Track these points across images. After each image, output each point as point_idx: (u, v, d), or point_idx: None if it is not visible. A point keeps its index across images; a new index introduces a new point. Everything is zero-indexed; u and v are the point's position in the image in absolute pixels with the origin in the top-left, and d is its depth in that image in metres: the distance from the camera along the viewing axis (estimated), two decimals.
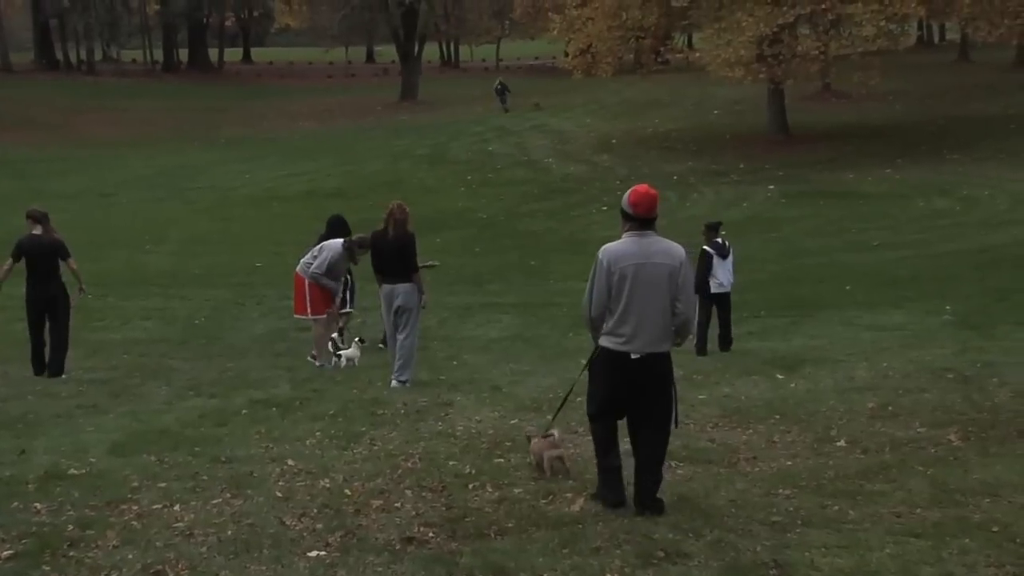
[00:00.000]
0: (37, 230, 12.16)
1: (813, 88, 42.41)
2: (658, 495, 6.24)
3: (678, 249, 6.12)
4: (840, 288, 18.75)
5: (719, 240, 13.46)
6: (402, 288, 10.78)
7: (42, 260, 12.13)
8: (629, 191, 6.16)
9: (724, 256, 13.38)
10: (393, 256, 10.76)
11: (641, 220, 6.07)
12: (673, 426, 6.31)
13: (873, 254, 22.50)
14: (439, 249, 19.08)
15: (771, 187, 31.48)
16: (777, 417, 8.62)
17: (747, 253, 14.51)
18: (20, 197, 33.64)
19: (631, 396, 6.15)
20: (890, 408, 8.82)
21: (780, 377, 10.46)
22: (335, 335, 12.64)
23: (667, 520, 6.05)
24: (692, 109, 44.57)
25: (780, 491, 6.62)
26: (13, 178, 37.58)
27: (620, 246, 6.08)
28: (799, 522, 6.06)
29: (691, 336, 5.88)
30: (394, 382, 10.68)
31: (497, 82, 52.68)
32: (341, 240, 12.40)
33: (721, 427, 8.41)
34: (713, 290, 13.32)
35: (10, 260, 12.14)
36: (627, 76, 45.71)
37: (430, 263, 15.27)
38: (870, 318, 15.68)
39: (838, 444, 7.75)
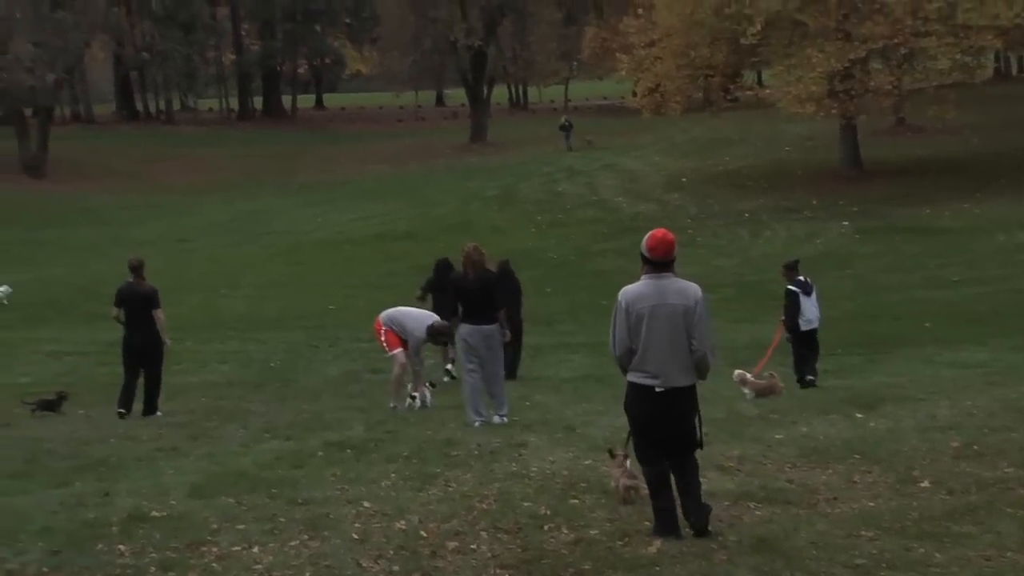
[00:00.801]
0: (133, 278, 12.68)
1: (886, 123, 41.90)
2: (703, 502, 6.52)
3: (694, 289, 6.43)
4: (918, 325, 18.40)
5: (801, 278, 13.54)
6: (486, 329, 10.88)
7: (135, 308, 12.69)
8: (647, 236, 6.46)
9: (808, 293, 13.48)
10: (476, 298, 10.86)
11: (657, 263, 6.39)
12: (699, 448, 6.62)
13: (952, 290, 22.07)
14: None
15: (845, 223, 31.08)
16: (857, 457, 8.42)
17: (821, 290, 14.35)
18: (101, 244, 34.65)
19: (660, 427, 6.44)
20: (975, 447, 8.57)
21: (859, 416, 10.23)
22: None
23: (747, 562, 5.95)
24: (763, 146, 44.28)
25: (862, 533, 6.47)
26: (95, 225, 38.63)
27: (637, 288, 6.43)
28: (883, 565, 5.91)
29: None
30: (496, 418, 10.82)
31: (563, 119, 53.02)
32: (426, 326, 12.48)
33: (799, 467, 8.24)
34: (803, 328, 13.37)
35: (114, 308, 12.84)
36: (696, 114, 45.63)
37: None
38: (951, 355, 15.34)
39: (921, 485, 7.55)
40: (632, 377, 6.46)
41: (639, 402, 6.46)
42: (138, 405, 12.86)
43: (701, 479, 7.48)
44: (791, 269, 13.73)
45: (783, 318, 13.88)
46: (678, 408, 6.41)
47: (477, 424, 10.76)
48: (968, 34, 32.63)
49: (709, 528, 6.40)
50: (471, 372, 11.04)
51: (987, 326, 17.65)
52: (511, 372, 14.30)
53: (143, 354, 12.76)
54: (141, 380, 12.96)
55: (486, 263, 11.07)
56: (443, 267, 14.57)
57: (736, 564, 5.92)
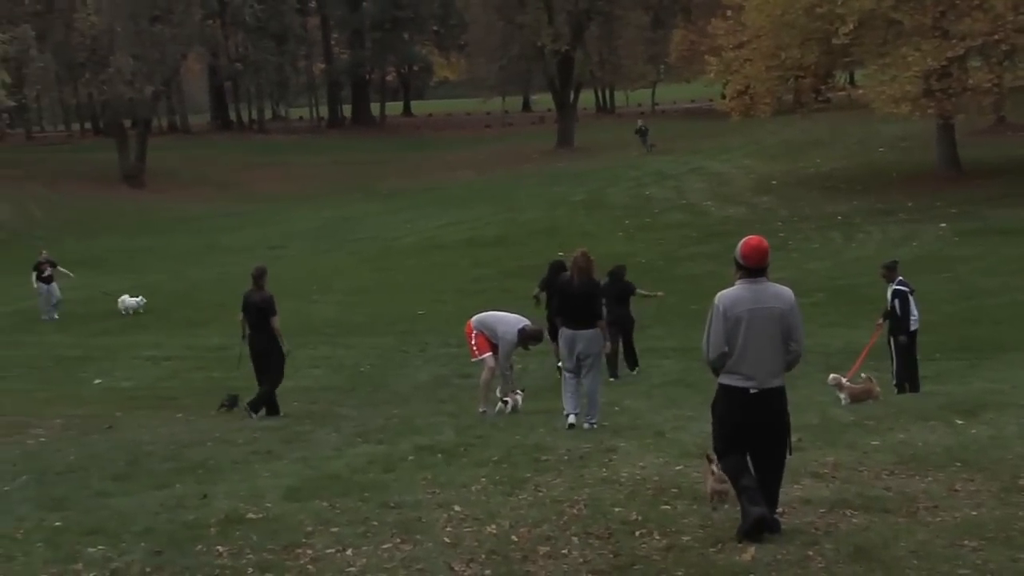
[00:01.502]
0: (253, 286, 13.33)
1: (986, 122, 40.75)
2: (774, 515, 6.54)
3: (788, 292, 6.60)
4: (1021, 329, 17.86)
5: (901, 277, 13.52)
6: (585, 334, 10.96)
7: (250, 314, 13.35)
8: (741, 243, 6.57)
9: (913, 292, 13.35)
10: (578, 303, 10.96)
11: (752, 270, 6.53)
12: (788, 454, 6.67)
13: None
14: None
15: (943, 225, 30.31)
16: (958, 464, 8.19)
17: (919, 293, 14.04)
18: (196, 251, 35.46)
19: (751, 429, 6.51)
20: None
21: (959, 422, 9.96)
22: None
23: (845, 571, 5.83)
24: (855, 147, 43.44)
25: (966, 543, 6.28)
26: (191, 234, 39.55)
27: (734, 292, 6.55)
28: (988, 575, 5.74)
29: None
30: (585, 424, 10.84)
31: (639, 123, 52.97)
32: (517, 330, 12.55)
33: (897, 475, 8.03)
34: (913, 327, 13.37)
35: (240, 312, 13.52)
36: (786, 116, 44.93)
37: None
38: None
39: None
40: (725, 379, 6.56)
41: (732, 404, 6.54)
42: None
43: (796, 485, 7.38)
44: (892, 269, 13.62)
45: (879, 321, 13.70)
46: (772, 409, 6.51)
47: (570, 419, 10.85)
48: None
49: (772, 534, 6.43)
50: (569, 372, 11.16)
51: None
52: (625, 365, 16.15)
53: (259, 358, 13.38)
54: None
55: (593, 270, 11.12)
56: (556, 267, 14.73)
57: (834, 573, 5.81)
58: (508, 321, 12.64)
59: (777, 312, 6.47)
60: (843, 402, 12.03)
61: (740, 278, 6.56)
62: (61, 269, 25.12)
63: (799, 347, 6.56)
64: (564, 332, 11.08)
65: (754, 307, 6.46)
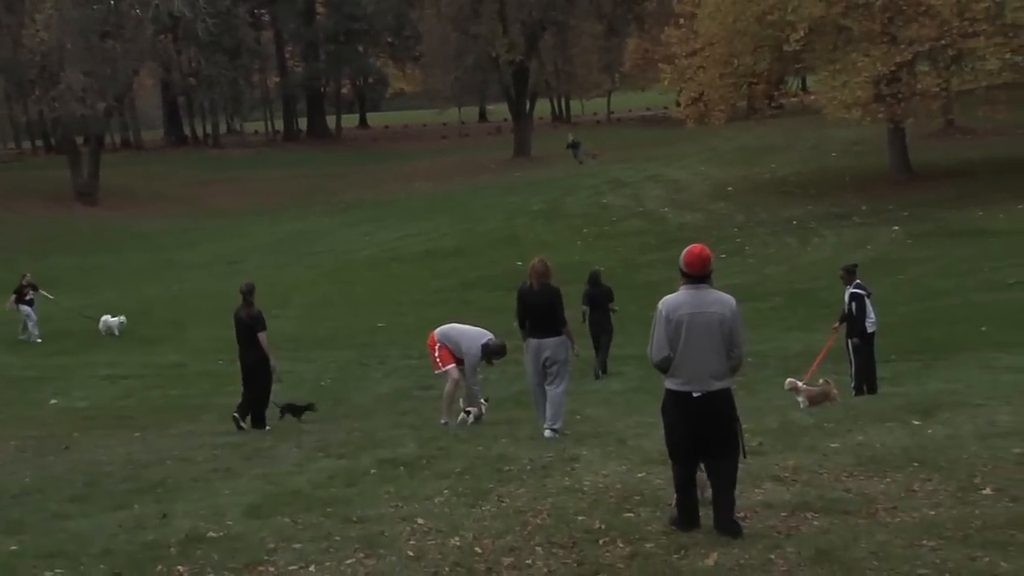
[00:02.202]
0: (242, 303, 13.50)
1: (935, 125, 41.36)
2: (735, 519, 6.67)
3: (729, 299, 6.75)
4: (975, 329, 18.10)
5: (858, 280, 13.62)
6: (551, 342, 10.92)
7: (239, 331, 13.57)
8: (684, 251, 6.77)
9: (870, 295, 13.59)
10: (540, 311, 10.88)
11: (695, 277, 6.71)
12: (742, 456, 6.78)
13: (1009, 293, 21.68)
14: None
15: (896, 228, 30.70)
16: (915, 465, 8.28)
17: (875, 296, 14.19)
18: (154, 268, 35.11)
19: (698, 431, 6.65)
20: None
21: (916, 423, 10.07)
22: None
23: (807, 574, 5.88)
24: (809, 153, 43.92)
25: (924, 542, 6.36)
26: (147, 250, 39.14)
27: (677, 297, 6.74)
28: (947, 575, 5.81)
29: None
30: (547, 432, 10.80)
31: (570, 138, 53.61)
32: (481, 345, 12.48)
33: (856, 476, 8.11)
34: (870, 330, 13.46)
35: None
36: (741, 122, 45.33)
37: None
38: (1010, 360, 15.07)
39: (984, 492, 7.41)
40: (669, 384, 6.75)
41: (678, 408, 6.71)
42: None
43: (758, 490, 7.43)
44: (851, 272, 13.75)
45: (835, 325, 13.83)
46: (717, 412, 6.64)
47: (547, 433, 10.83)
48: (1018, 33, 32.10)
49: (733, 538, 6.55)
50: (536, 381, 11.10)
51: None
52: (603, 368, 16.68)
53: (250, 373, 13.56)
54: None
55: (551, 276, 11.04)
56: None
57: None
58: (472, 336, 12.57)
59: (717, 317, 6.62)
60: (801, 405, 12.12)
61: (684, 284, 6.74)
62: (43, 292, 24.82)
63: (740, 352, 6.74)
64: (530, 343, 10.96)
65: (694, 311, 6.62)
